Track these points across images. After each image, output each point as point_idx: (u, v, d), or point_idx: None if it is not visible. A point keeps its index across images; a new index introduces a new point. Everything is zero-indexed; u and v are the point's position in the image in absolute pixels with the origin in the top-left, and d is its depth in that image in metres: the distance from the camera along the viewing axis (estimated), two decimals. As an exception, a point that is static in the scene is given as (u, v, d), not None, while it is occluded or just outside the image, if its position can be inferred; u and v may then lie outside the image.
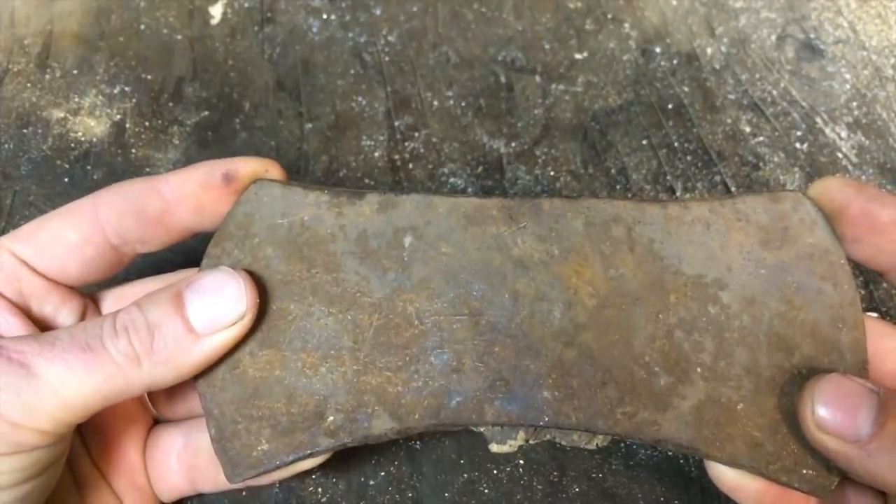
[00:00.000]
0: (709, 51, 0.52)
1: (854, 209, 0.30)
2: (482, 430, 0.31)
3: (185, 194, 0.31)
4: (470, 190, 0.45)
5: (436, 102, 0.49)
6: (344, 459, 0.37)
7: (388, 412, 0.29)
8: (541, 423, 0.29)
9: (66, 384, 0.26)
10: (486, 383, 0.29)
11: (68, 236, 0.31)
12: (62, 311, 0.32)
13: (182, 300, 0.28)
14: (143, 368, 0.27)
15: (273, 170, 0.33)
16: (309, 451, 0.29)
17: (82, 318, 0.33)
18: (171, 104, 0.49)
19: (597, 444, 0.32)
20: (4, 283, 0.31)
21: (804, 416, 0.27)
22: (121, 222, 0.31)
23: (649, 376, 0.29)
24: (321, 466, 0.35)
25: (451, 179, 0.46)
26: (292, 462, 0.30)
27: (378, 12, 0.53)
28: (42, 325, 0.32)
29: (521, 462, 0.37)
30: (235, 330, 0.29)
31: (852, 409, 0.26)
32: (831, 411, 0.26)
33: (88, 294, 0.34)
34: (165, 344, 0.27)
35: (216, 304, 0.28)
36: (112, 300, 0.34)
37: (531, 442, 0.31)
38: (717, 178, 0.46)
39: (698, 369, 0.29)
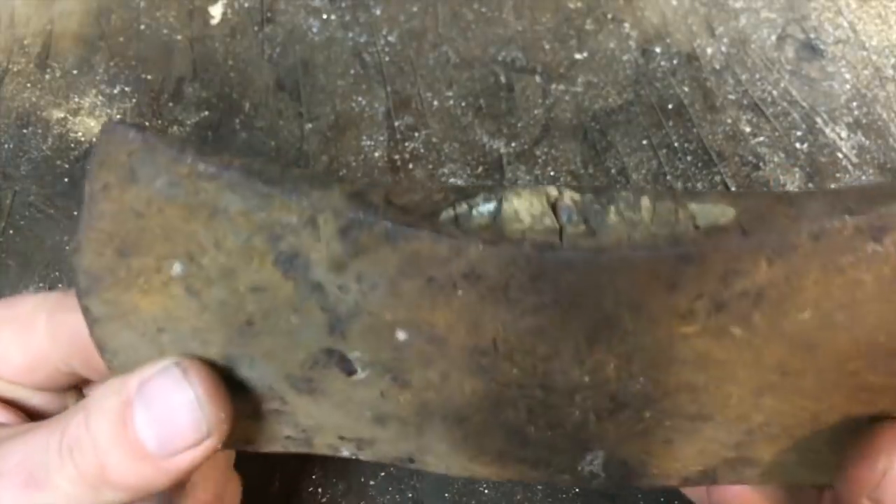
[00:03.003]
0: (709, 51, 0.52)
1: None
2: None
3: None
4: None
5: (436, 102, 0.49)
6: (344, 460, 0.37)
7: None
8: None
9: None
10: None
11: (14, 357, 0.27)
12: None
13: (131, 413, 0.22)
14: (103, 495, 0.23)
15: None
16: None
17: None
18: (171, 104, 0.49)
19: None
20: None
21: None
22: (70, 360, 0.27)
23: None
24: (321, 467, 0.35)
25: (452, 180, 0.46)
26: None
27: (378, 12, 0.53)
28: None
29: (521, 462, 0.37)
30: (200, 452, 0.23)
31: None
32: None
33: None
34: (119, 472, 0.23)
35: (169, 422, 0.22)
36: None
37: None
38: (717, 178, 0.46)
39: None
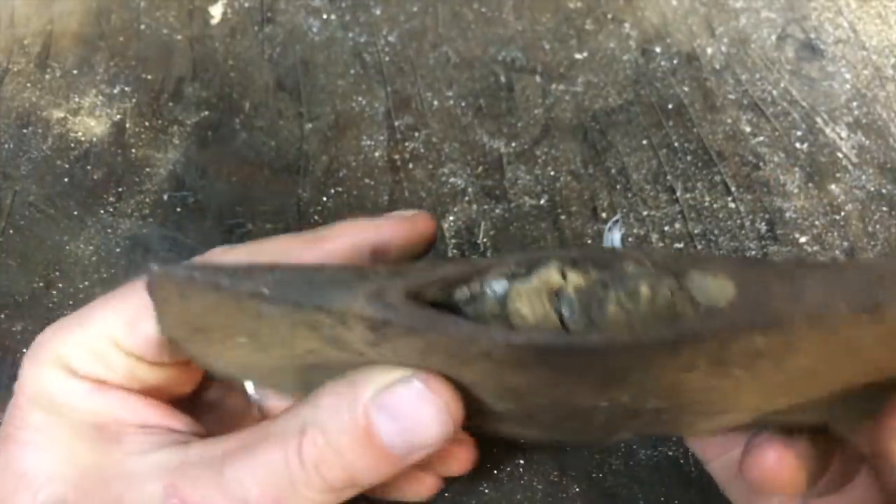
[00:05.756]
0: (709, 51, 0.52)
1: None
2: None
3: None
4: (470, 190, 0.45)
5: (436, 102, 0.49)
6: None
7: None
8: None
9: None
10: None
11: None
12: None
13: (374, 427, 0.24)
14: (347, 493, 0.25)
15: (424, 224, 0.29)
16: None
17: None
18: (171, 104, 0.49)
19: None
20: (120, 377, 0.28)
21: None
22: None
23: None
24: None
25: (451, 179, 0.46)
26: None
27: (378, 12, 0.53)
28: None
29: (521, 462, 0.37)
30: (439, 445, 0.25)
31: None
32: None
33: None
34: (367, 476, 0.25)
35: (415, 430, 0.24)
36: None
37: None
38: (717, 178, 0.46)
39: None
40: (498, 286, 0.23)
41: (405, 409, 0.24)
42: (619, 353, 0.22)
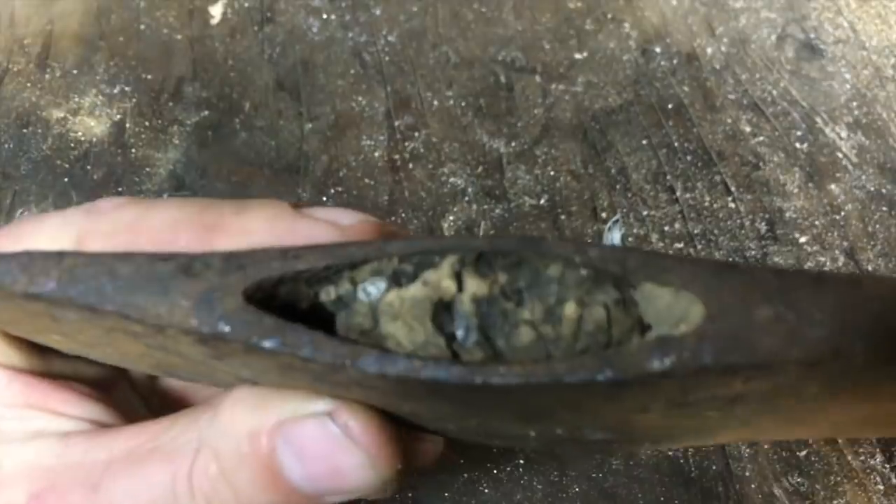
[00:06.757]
0: (709, 51, 0.52)
1: None
2: None
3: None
4: (470, 190, 0.45)
5: (436, 102, 0.49)
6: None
7: None
8: None
9: None
10: None
11: None
12: None
13: (277, 461, 0.19)
14: None
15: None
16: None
17: None
18: (171, 104, 0.49)
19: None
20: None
21: None
22: None
23: None
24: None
25: (451, 179, 0.46)
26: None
27: (378, 12, 0.53)
28: None
29: (521, 462, 0.37)
30: (368, 492, 0.20)
31: None
32: None
33: None
34: None
35: (327, 477, 0.19)
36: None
37: None
38: (717, 177, 0.46)
39: None
40: (373, 289, 0.17)
41: (314, 452, 0.18)
42: (532, 394, 0.16)
